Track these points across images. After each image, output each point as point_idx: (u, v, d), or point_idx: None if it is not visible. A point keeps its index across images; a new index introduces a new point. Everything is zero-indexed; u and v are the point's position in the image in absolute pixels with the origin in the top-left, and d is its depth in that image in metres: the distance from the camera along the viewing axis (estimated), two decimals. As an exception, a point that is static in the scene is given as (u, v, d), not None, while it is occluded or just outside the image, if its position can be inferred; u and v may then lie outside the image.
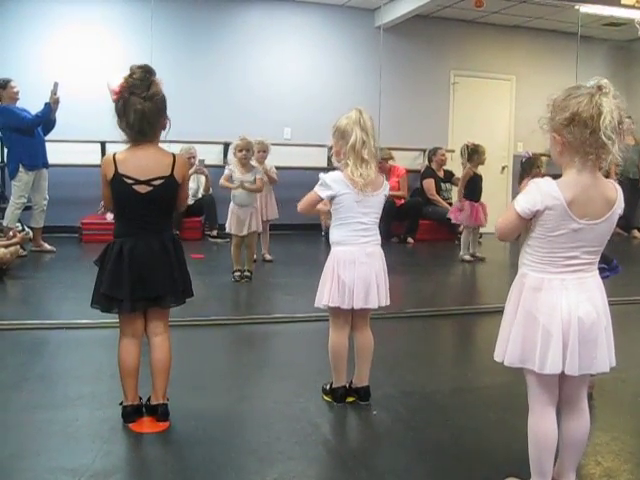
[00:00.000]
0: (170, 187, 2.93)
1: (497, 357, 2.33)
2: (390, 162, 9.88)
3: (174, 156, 2.96)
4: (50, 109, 7.47)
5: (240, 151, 6.35)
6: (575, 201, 2.13)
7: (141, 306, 2.94)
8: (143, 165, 2.88)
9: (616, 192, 2.21)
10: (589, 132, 2.09)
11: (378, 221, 3.31)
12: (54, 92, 7.43)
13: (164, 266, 2.92)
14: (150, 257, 2.89)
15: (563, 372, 2.19)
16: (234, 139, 6.53)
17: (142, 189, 2.88)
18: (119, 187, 2.88)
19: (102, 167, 2.91)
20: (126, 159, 2.89)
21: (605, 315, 2.25)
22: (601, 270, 2.37)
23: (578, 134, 2.13)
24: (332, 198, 3.19)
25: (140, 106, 2.82)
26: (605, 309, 2.25)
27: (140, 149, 2.91)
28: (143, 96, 2.82)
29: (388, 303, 3.33)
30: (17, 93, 7.50)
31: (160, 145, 3.01)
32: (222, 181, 6.43)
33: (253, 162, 6.65)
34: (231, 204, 6.43)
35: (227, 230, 6.50)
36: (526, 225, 2.23)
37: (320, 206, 3.28)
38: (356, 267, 3.20)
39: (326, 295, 3.23)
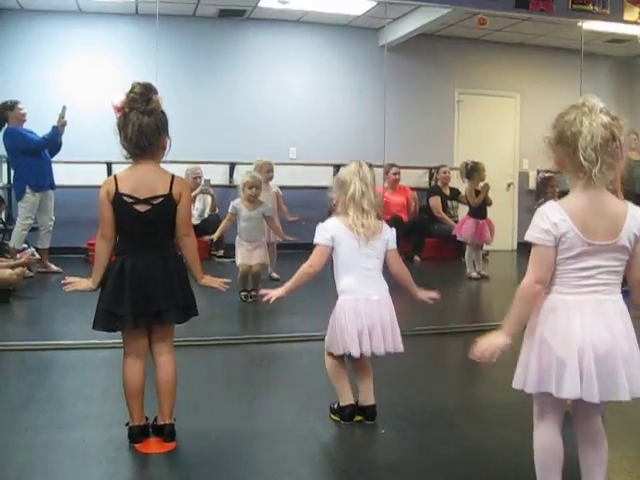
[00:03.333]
0: (168, 205, 2.93)
1: (515, 384, 2.27)
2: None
3: (172, 175, 2.97)
4: (57, 132, 7.51)
5: (250, 188, 6.31)
6: (581, 218, 2.09)
7: (143, 322, 2.93)
8: (142, 184, 2.90)
9: (626, 210, 2.15)
10: (572, 151, 2.09)
11: (381, 266, 3.31)
12: (62, 116, 7.47)
13: (165, 282, 2.91)
14: (151, 273, 2.89)
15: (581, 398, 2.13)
16: (240, 159, 6.56)
17: (141, 208, 2.89)
18: (120, 206, 2.89)
19: (103, 187, 2.92)
20: (126, 178, 2.92)
21: (628, 341, 2.16)
22: None
23: (564, 153, 2.13)
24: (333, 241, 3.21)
25: (138, 120, 2.85)
26: (628, 335, 2.17)
27: (140, 168, 2.94)
28: (142, 110, 2.86)
29: (400, 350, 3.32)
30: (24, 115, 7.53)
31: (163, 165, 3.03)
32: (225, 221, 6.47)
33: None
34: (237, 238, 6.41)
35: (237, 262, 6.44)
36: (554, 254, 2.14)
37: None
38: (361, 318, 3.19)
39: (338, 345, 3.23)
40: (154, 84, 2.97)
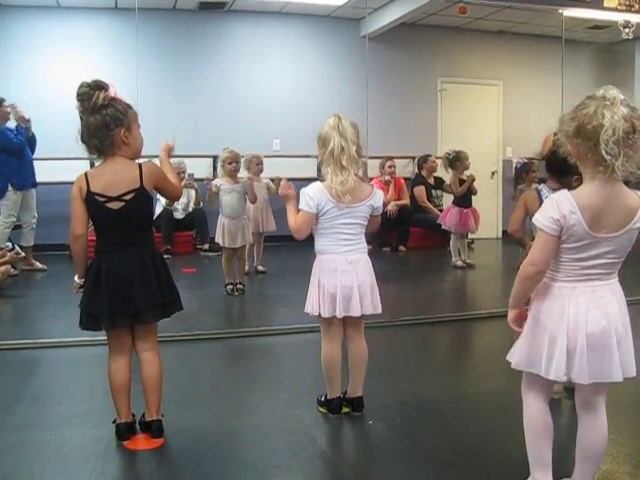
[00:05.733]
0: (142, 198, 2.92)
1: (508, 356, 2.35)
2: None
3: (140, 166, 2.94)
4: (24, 129, 7.47)
5: (230, 163, 6.34)
6: (592, 212, 2.10)
7: (121, 322, 2.92)
8: (112, 181, 2.88)
9: (639, 203, 2.16)
10: (593, 144, 2.06)
11: (363, 230, 3.27)
12: (15, 116, 7.42)
13: (142, 281, 2.89)
14: (128, 272, 2.87)
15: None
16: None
17: (114, 205, 2.87)
18: (93, 206, 2.88)
19: (75, 184, 2.89)
20: (97, 176, 2.90)
21: (622, 323, 2.21)
22: None
23: (584, 146, 2.11)
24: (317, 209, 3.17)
25: (85, 121, 2.86)
26: (622, 317, 2.22)
27: (108, 164, 2.92)
28: (88, 109, 2.85)
29: (379, 311, 3.30)
30: (9, 114, 7.47)
31: (145, 160, 3.02)
32: (208, 197, 6.41)
33: (243, 174, 6.67)
34: (220, 216, 6.40)
35: (219, 242, 6.45)
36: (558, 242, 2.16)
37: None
38: (337, 275, 3.17)
39: (311, 303, 3.23)
40: (134, 78, 2.96)
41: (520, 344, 2.29)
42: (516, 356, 2.29)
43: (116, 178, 2.88)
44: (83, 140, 2.89)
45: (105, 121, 2.85)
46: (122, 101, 2.93)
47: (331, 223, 3.18)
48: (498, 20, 10.58)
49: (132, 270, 2.88)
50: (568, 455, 2.40)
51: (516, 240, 3.68)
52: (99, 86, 2.88)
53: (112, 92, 2.90)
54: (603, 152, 2.04)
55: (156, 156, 3.16)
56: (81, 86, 2.88)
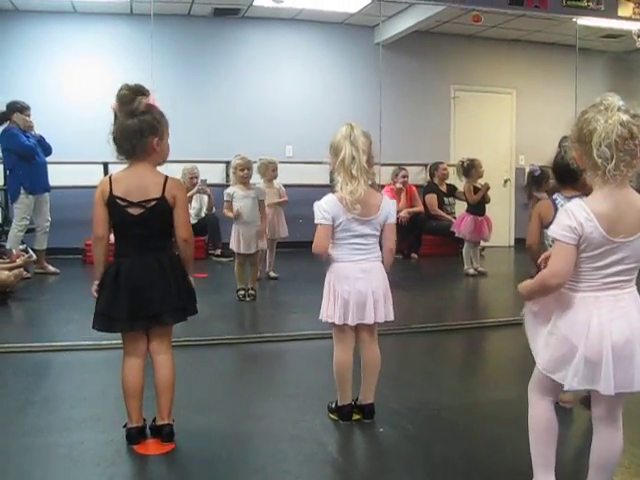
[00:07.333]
0: (162, 209, 2.92)
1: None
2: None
3: (166, 177, 2.95)
4: (31, 135, 7.52)
5: (242, 170, 6.35)
6: (607, 219, 2.10)
7: (140, 325, 2.94)
8: (136, 187, 2.89)
9: None
10: (588, 148, 2.10)
11: (377, 240, 3.28)
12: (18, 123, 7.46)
13: (161, 284, 2.91)
14: (147, 276, 2.89)
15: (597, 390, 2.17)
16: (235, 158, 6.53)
17: (135, 211, 2.89)
18: (114, 209, 2.90)
19: (98, 187, 2.92)
20: (120, 180, 2.92)
21: None
22: None
23: (582, 150, 2.15)
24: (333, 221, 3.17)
25: (122, 123, 2.86)
26: None
27: (134, 169, 2.93)
28: (125, 112, 2.85)
29: (391, 319, 3.30)
30: (29, 122, 7.51)
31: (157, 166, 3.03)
32: (225, 211, 6.42)
33: (261, 184, 6.70)
34: (234, 223, 6.40)
35: (233, 249, 6.44)
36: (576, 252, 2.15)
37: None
38: (351, 282, 3.17)
39: (325, 310, 3.24)
40: (149, 83, 2.96)
41: (542, 349, 2.27)
42: (540, 359, 2.27)
43: (140, 184, 2.90)
44: (115, 141, 2.89)
45: (141, 127, 2.87)
46: (158, 109, 2.94)
47: (345, 234, 3.18)
48: (512, 28, 10.56)
49: (151, 274, 2.90)
50: (581, 465, 2.38)
51: (533, 253, 3.62)
52: (140, 91, 2.90)
53: (151, 99, 2.92)
54: (595, 155, 2.07)
55: (169, 162, 3.17)
56: (122, 88, 2.89)
